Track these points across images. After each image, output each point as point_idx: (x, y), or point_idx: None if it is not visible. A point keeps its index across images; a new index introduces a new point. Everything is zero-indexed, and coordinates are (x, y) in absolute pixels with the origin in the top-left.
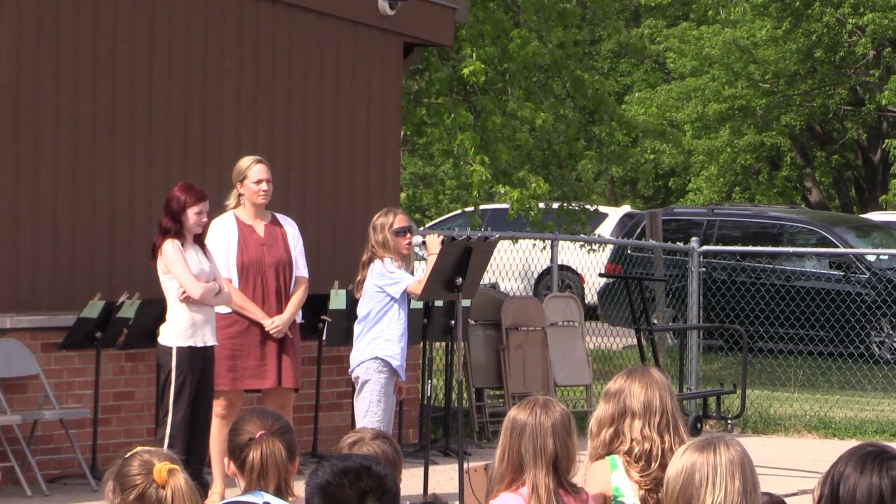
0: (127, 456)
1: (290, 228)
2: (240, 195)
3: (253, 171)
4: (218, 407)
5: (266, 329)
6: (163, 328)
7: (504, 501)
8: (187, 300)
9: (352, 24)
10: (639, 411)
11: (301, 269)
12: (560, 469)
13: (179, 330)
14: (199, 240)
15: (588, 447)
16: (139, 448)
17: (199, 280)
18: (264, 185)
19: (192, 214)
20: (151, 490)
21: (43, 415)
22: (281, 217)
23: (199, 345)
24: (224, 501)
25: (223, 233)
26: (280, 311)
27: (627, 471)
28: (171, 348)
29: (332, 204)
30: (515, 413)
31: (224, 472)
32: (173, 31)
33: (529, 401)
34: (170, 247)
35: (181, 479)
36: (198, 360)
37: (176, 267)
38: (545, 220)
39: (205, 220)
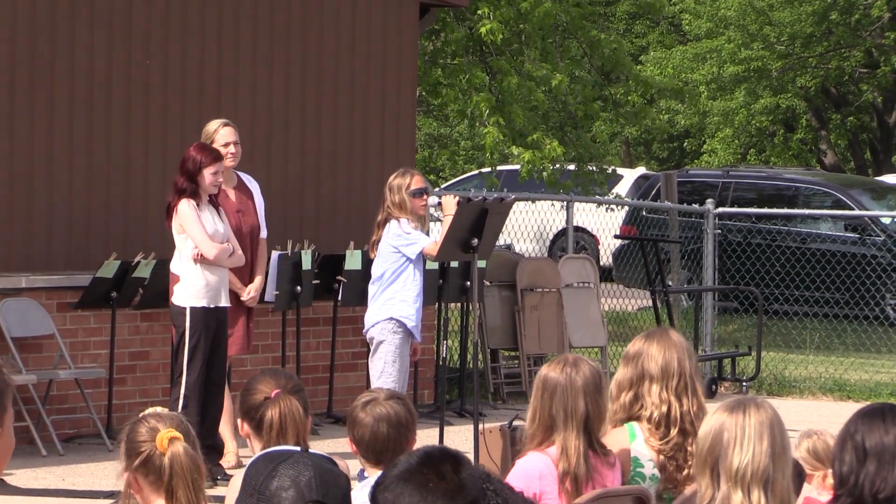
0: (138, 418)
1: (256, 192)
2: None
3: (220, 135)
4: None
5: (241, 299)
6: (176, 288)
7: (531, 460)
8: (202, 260)
9: None
10: (657, 375)
11: (262, 230)
12: (591, 429)
13: (193, 290)
14: (214, 200)
15: (608, 410)
16: (150, 410)
17: (214, 240)
18: (232, 148)
19: (207, 175)
20: (155, 457)
21: (58, 374)
22: (245, 177)
23: (213, 305)
24: (263, 451)
25: None
26: (251, 279)
27: (647, 439)
28: (184, 308)
29: (347, 165)
30: (546, 372)
31: (233, 430)
32: None
33: (560, 360)
34: (185, 206)
35: (180, 448)
36: (211, 321)
37: (191, 226)
38: (562, 181)
39: (220, 180)
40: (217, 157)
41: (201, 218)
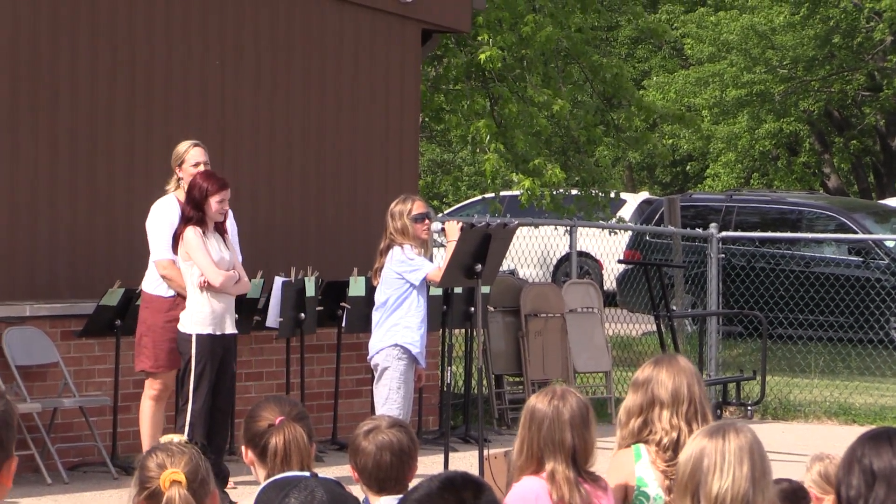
0: (153, 448)
1: (228, 216)
2: (179, 179)
3: (191, 155)
4: (152, 390)
5: None
6: (182, 315)
7: (527, 484)
8: (208, 288)
9: (370, 10)
10: (667, 401)
11: (236, 253)
12: (578, 461)
13: (199, 317)
14: (220, 228)
15: (616, 436)
16: (167, 439)
17: (220, 268)
18: (202, 168)
19: (214, 203)
20: (159, 494)
21: (63, 402)
22: None
23: (219, 332)
24: (272, 478)
25: (168, 213)
26: None
27: (653, 461)
28: (190, 336)
29: (351, 191)
30: (534, 403)
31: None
32: (190, 17)
33: (547, 391)
34: (191, 234)
35: (176, 494)
36: (217, 348)
37: (197, 254)
38: (565, 205)
39: (226, 208)
40: (223, 185)
41: (207, 245)
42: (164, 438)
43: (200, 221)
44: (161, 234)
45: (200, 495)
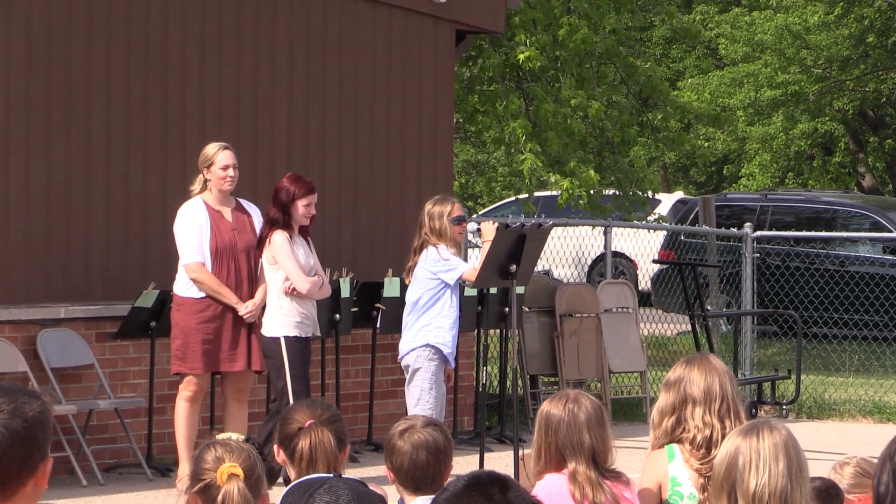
0: (210, 442)
1: (255, 215)
2: (206, 181)
3: (220, 158)
4: (187, 391)
5: (240, 314)
6: (266, 320)
7: (550, 482)
8: (292, 293)
9: (404, 11)
10: (699, 398)
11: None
12: (598, 461)
13: (286, 320)
14: (305, 232)
15: (650, 437)
16: (224, 436)
17: (305, 273)
18: (231, 171)
19: (300, 206)
20: (214, 487)
21: (98, 404)
22: (245, 203)
23: (304, 335)
24: (298, 480)
25: (195, 216)
26: (251, 295)
27: (687, 460)
28: (278, 339)
29: (385, 192)
30: (548, 409)
31: (191, 455)
32: (224, 21)
33: (560, 396)
34: (279, 238)
35: (235, 487)
36: (306, 350)
37: (284, 259)
38: (603, 203)
39: (313, 212)
40: (311, 189)
41: (294, 251)
42: (222, 436)
43: (286, 225)
44: (190, 238)
45: (255, 492)
